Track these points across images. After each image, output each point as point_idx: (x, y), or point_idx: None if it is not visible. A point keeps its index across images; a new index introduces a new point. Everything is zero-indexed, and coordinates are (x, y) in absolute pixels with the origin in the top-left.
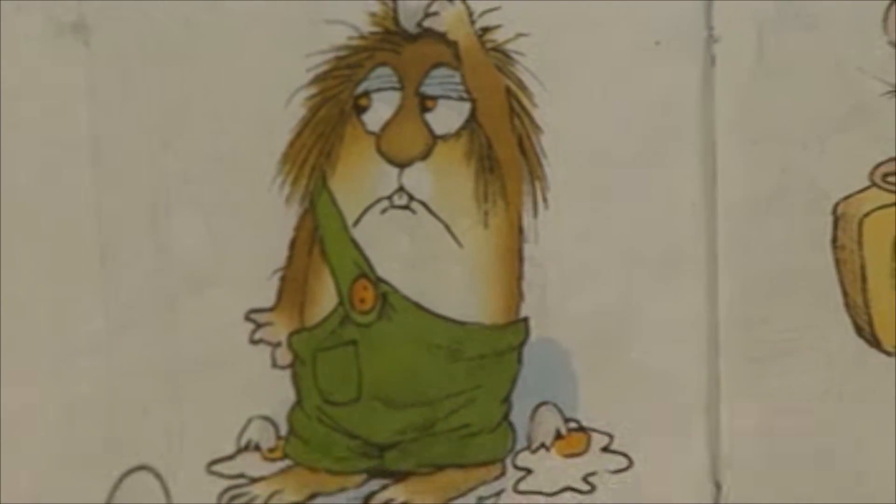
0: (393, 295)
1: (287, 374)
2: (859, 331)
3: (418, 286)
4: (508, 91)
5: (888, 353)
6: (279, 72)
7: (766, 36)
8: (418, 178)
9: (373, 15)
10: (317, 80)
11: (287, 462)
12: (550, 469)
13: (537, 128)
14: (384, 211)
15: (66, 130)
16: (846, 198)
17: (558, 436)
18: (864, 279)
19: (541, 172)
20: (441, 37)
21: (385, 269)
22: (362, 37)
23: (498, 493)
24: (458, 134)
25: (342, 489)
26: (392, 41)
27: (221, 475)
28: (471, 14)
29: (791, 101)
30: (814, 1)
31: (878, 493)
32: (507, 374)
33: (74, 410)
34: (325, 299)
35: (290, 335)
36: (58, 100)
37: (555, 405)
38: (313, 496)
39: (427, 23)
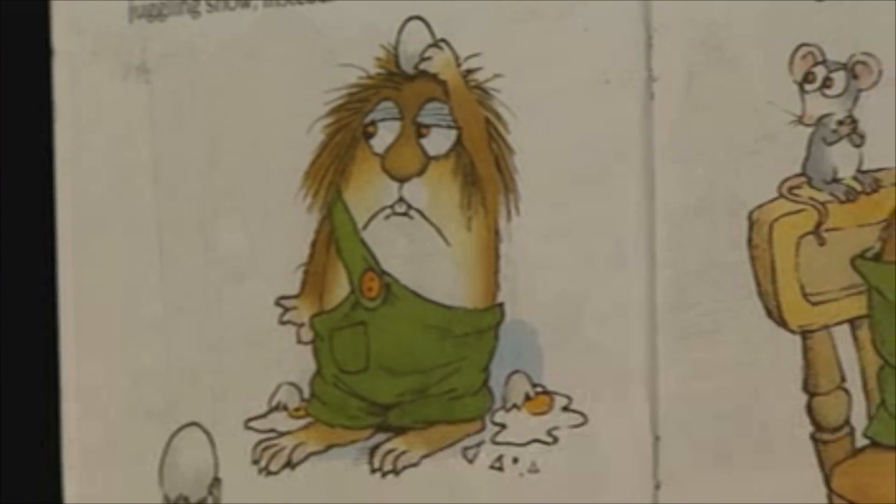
0: (395, 285)
1: (309, 348)
2: (769, 314)
3: (415, 278)
4: (487, 120)
5: (793, 332)
6: (302, 105)
7: (694, 76)
8: (415, 191)
9: (378, 59)
10: (333, 111)
11: (309, 419)
12: (521, 425)
13: (511, 150)
14: (388, 217)
15: (132, 152)
16: (759, 206)
17: (527, 398)
18: (773, 272)
19: (513, 186)
20: (433, 77)
21: (388, 263)
22: (369, 77)
23: (478, 444)
24: (447, 155)
25: (353, 441)
26: (394, 80)
27: (256, 430)
28: (457, 59)
29: (715, 129)
30: (734, 46)
31: (781, 441)
32: (486, 348)
33: (139, 377)
34: (340, 288)
35: (312, 317)
36: (126, 128)
37: (524, 373)
38: (330, 447)
39: (422, 66)
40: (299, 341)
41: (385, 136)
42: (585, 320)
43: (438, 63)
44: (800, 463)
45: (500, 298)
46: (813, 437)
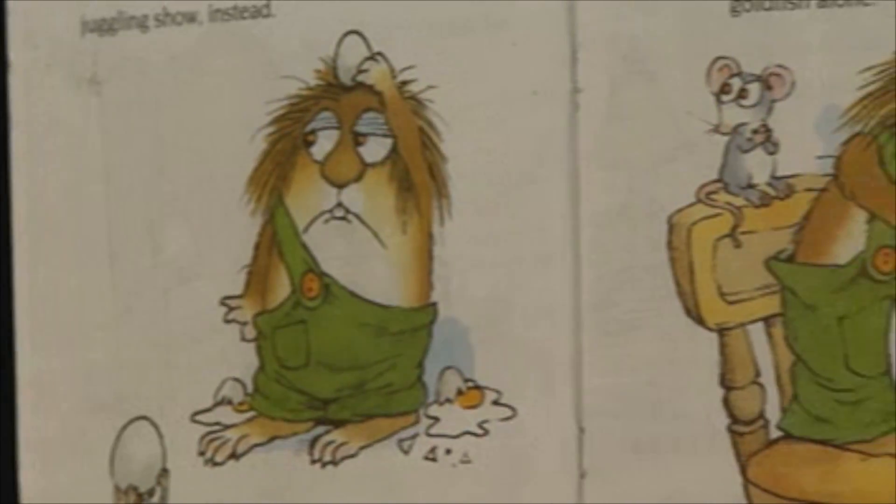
0: (334, 285)
1: (253, 346)
2: (688, 313)
3: (353, 278)
4: (421, 129)
5: (710, 330)
6: (246, 115)
7: (616, 88)
8: (353, 197)
9: (318, 71)
10: (275, 121)
11: (252, 413)
12: (453, 418)
13: (443, 157)
14: (327, 221)
15: (84, 159)
16: (678, 211)
17: (459, 392)
18: (691, 273)
19: (446, 192)
20: (370, 88)
21: (328, 265)
22: (309, 88)
23: (413, 437)
24: (383, 162)
25: (294, 434)
26: (332, 91)
27: (202, 423)
28: (393, 71)
29: (636, 138)
30: (654, 60)
31: (699, 433)
32: (421, 345)
33: (91, 373)
34: (282, 289)
35: (255, 316)
36: (78, 136)
37: (456, 369)
38: (272, 439)
39: (359, 77)
40: (243, 339)
41: (324, 144)
42: (514, 318)
43: (375, 75)
44: (717, 453)
45: (434, 298)
46: (729, 429)
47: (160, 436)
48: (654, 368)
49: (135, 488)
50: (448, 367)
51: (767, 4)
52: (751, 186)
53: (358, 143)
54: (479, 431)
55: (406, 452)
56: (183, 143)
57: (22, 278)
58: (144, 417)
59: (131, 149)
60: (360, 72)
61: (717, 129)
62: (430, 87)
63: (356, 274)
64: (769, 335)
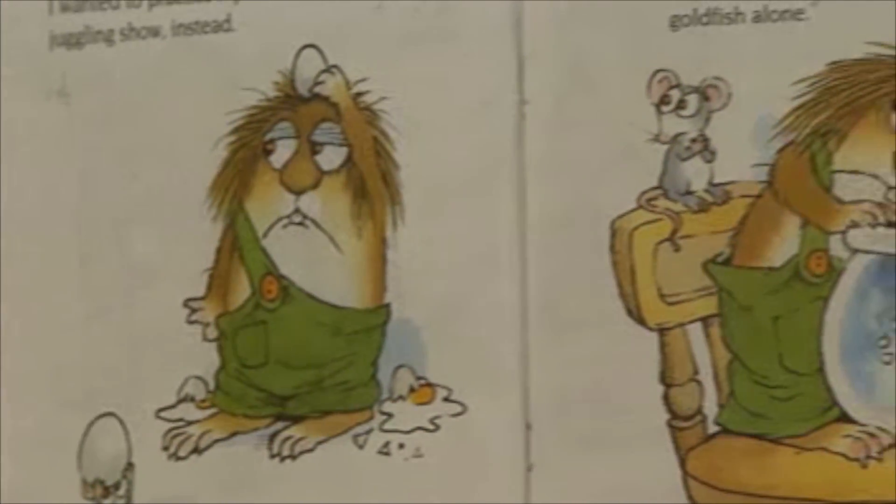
0: (292, 287)
1: (214, 345)
2: (630, 313)
3: (310, 281)
4: (375, 139)
5: (651, 329)
6: (208, 125)
7: (562, 99)
8: (310, 203)
9: (276, 83)
10: (235, 131)
11: (214, 409)
12: (406, 414)
13: (397, 165)
14: (285, 226)
15: (54, 168)
16: (620, 216)
17: (412, 389)
18: (633, 275)
19: (399, 198)
20: (326, 99)
21: (286, 268)
22: (268, 99)
23: (368, 432)
24: (339, 170)
25: (254, 429)
26: (290, 102)
27: (166, 419)
28: (348, 83)
29: (580, 147)
30: (597, 72)
31: (640, 428)
32: (375, 344)
33: (61, 371)
34: (242, 291)
35: (217, 317)
36: (48, 145)
37: (409, 367)
38: (233, 434)
39: (316, 89)
40: (205, 339)
41: (283, 152)
42: (464, 319)
43: (331, 87)
44: (657, 447)
45: (387, 299)
46: (669, 424)
47: (126, 431)
48: (597, 366)
49: (101, 481)
50: (401, 366)
51: (705, 20)
52: (689, 193)
53: (315, 152)
54: (431, 427)
55: (361, 447)
56: (148, 152)
57: None
58: (111, 414)
59: (99, 157)
60: (317, 84)
61: (657, 139)
62: (384, 98)
63: (313, 277)
64: (707, 334)
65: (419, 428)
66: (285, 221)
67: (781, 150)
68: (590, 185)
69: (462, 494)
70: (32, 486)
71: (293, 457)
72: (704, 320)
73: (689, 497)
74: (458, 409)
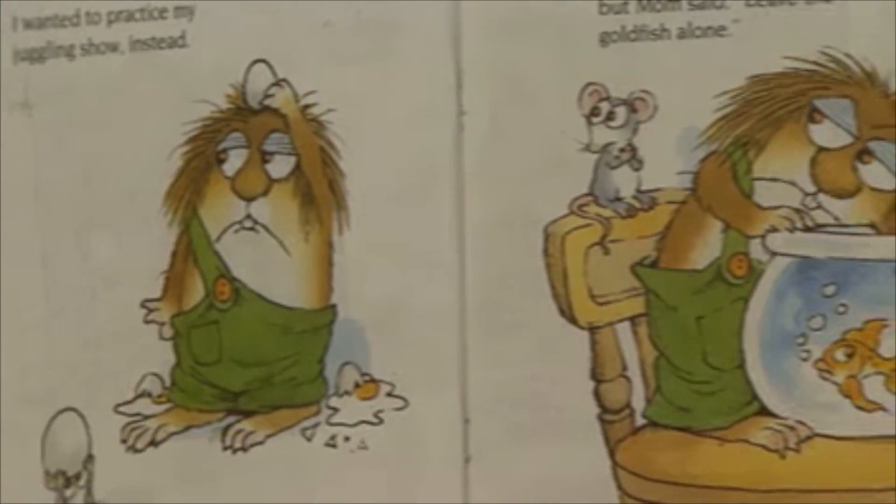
0: (243, 289)
1: (170, 344)
2: (562, 313)
3: (261, 283)
4: (322, 148)
5: (582, 328)
6: (163, 135)
7: (498, 110)
8: (261, 209)
9: (228, 96)
10: (189, 141)
11: (170, 404)
12: (351, 408)
13: (342, 173)
14: (237, 231)
15: (18, 175)
16: (553, 221)
17: (357, 385)
18: (565, 277)
19: (344, 204)
20: (276, 111)
21: (238, 271)
22: (221, 111)
23: (315, 425)
24: (287, 178)
25: (208, 423)
26: (242, 114)
27: (124, 414)
28: (296, 95)
29: (515, 155)
30: (532, 85)
31: (572, 421)
32: (322, 343)
33: (24, 369)
34: (196, 292)
35: (172, 317)
36: (12, 155)
37: (354, 364)
38: (188, 428)
39: (266, 101)
40: (161, 338)
41: (234, 161)
42: (406, 319)
43: (280, 99)
44: (588, 440)
45: (333, 300)
46: (599, 418)
47: (86, 425)
48: (532, 363)
49: (63, 473)
50: (346, 363)
51: (633, 36)
52: (618, 199)
53: (265, 161)
54: (375, 420)
55: (309, 440)
56: (107, 161)
57: None
58: (72, 409)
59: (61, 165)
60: (267, 96)
61: (587, 148)
62: (330, 110)
63: (264, 279)
64: (635, 333)
65: (364, 421)
66: (237, 227)
67: (704, 158)
68: (524, 192)
69: (404, 484)
70: None
71: (244, 449)
72: (632, 320)
73: (619, 486)
74: (400, 403)
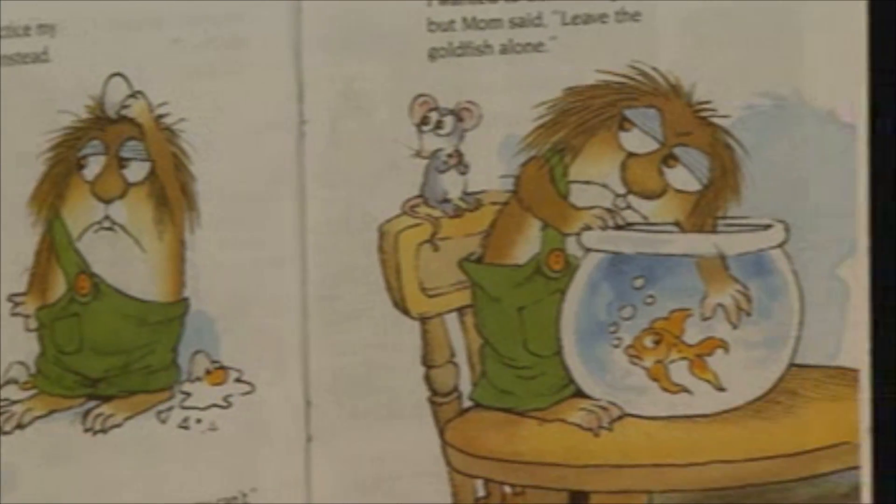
0: (102, 284)
1: (35, 335)
2: (396, 305)
3: (118, 278)
4: (175, 155)
5: (414, 319)
6: (28, 143)
7: (336, 120)
8: (118, 211)
9: (88, 107)
10: (52, 148)
11: (35, 391)
12: (202, 393)
13: (193, 178)
14: (96, 231)
15: None
16: (387, 221)
17: (207, 372)
18: (398, 272)
19: (195, 206)
20: (132, 121)
21: (97, 267)
22: (81, 120)
23: (169, 409)
24: (143, 182)
25: (70, 407)
26: (100, 123)
27: None
28: (150, 106)
29: (352, 161)
30: (367, 96)
31: (405, 404)
32: (175, 333)
33: None
34: (59, 287)
35: (37, 310)
36: None
37: (205, 352)
38: (52, 412)
39: (123, 112)
40: (27, 329)
41: (94, 167)
42: (253, 311)
43: (135, 110)
44: (420, 420)
45: (186, 294)
46: (430, 401)
47: None
48: (368, 351)
49: None
50: (198, 351)
51: (459, 51)
52: (446, 201)
53: (122, 166)
54: (224, 404)
55: (163, 422)
56: None
57: None
58: None
59: None
60: (124, 107)
61: (418, 154)
62: (182, 119)
63: (121, 275)
64: (462, 323)
65: (214, 405)
66: (96, 227)
67: (525, 163)
68: (361, 195)
69: (251, 462)
70: None
71: (104, 431)
72: (460, 310)
73: (448, 463)
74: (247, 388)
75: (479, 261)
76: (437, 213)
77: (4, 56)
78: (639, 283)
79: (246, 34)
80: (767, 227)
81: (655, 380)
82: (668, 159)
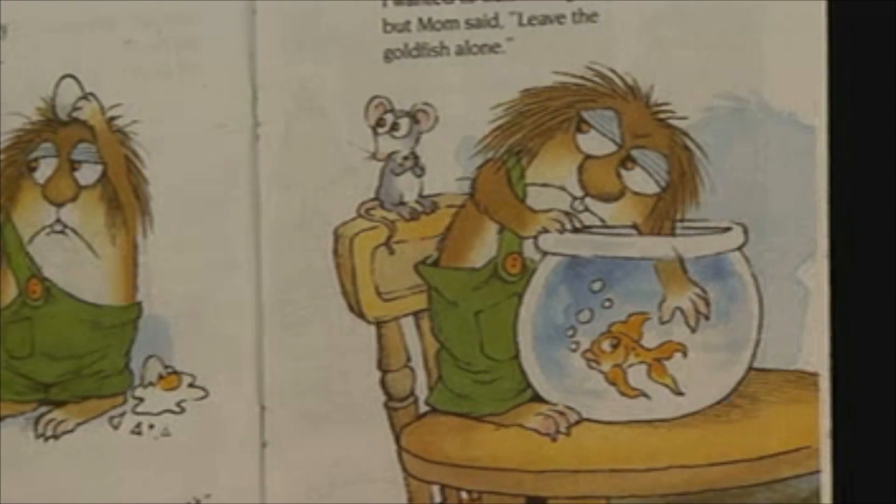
0: (54, 288)
1: None
2: (351, 309)
3: (70, 282)
4: (127, 157)
5: (370, 323)
6: None
7: (291, 122)
8: (70, 214)
9: (39, 109)
10: (3, 150)
11: None
12: (155, 398)
13: (146, 180)
14: (48, 234)
15: None
16: (343, 224)
17: (160, 377)
18: (353, 276)
19: (148, 209)
20: (83, 123)
21: (49, 271)
22: (32, 123)
23: (122, 414)
24: (95, 185)
25: (22, 412)
26: (52, 126)
27: None
28: (102, 109)
29: (307, 163)
30: (322, 99)
31: (361, 409)
32: (128, 337)
33: None
34: (10, 292)
35: None
36: None
37: (158, 357)
38: (3, 418)
39: (74, 114)
40: None
41: (45, 170)
42: (207, 315)
43: (87, 112)
44: (375, 425)
45: (139, 298)
46: (386, 405)
47: None
48: (323, 355)
49: None
50: (151, 356)
51: (415, 52)
52: (402, 203)
53: (74, 169)
54: (177, 409)
55: (116, 428)
56: None
57: None
58: None
59: None
60: (75, 109)
61: (374, 156)
62: (134, 121)
63: (73, 279)
64: (418, 327)
65: (167, 410)
66: (48, 230)
67: (482, 165)
68: (315, 197)
69: (205, 467)
70: None
71: (56, 437)
72: (416, 314)
73: (404, 468)
74: (201, 393)
75: (435, 264)
76: (392, 216)
77: None
78: (597, 286)
79: (199, 35)
80: (726, 229)
81: (613, 384)
82: (626, 161)
